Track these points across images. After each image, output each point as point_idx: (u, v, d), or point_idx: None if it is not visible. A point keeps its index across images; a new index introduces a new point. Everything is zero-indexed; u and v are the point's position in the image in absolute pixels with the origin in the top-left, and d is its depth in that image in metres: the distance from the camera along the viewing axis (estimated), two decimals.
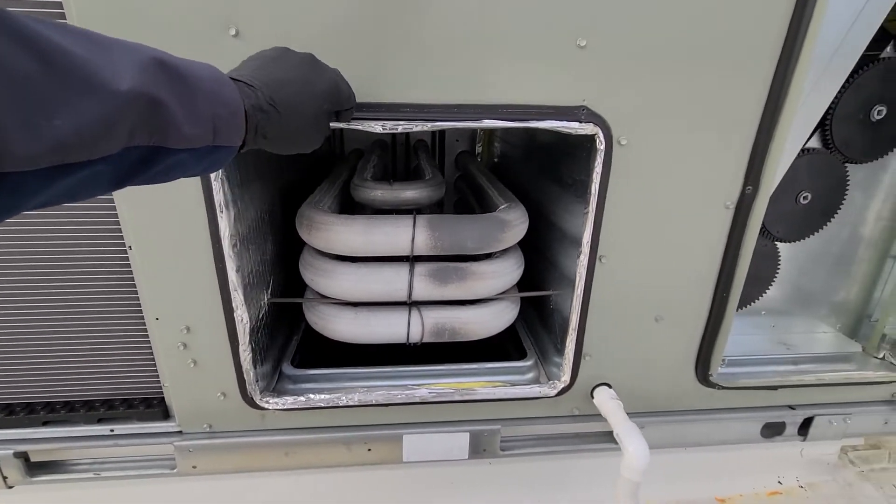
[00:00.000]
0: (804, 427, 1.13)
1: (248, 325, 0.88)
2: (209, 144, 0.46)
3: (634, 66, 0.78)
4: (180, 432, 0.97)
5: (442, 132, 2.08)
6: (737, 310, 1.22)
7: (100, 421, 0.96)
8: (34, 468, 0.97)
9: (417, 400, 0.98)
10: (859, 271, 1.29)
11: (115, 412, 0.96)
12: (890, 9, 0.87)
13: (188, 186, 0.77)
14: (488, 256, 1.06)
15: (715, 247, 0.93)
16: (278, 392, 1.00)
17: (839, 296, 1.33)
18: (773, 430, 1.12)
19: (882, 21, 0.88)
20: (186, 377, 0.92)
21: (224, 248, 0.81)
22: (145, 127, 0.40)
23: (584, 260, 0.90)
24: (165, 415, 0.97)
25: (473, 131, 2.04)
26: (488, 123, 0.78)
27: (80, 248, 0.85)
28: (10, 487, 0.96)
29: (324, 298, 1.03)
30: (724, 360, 1.03)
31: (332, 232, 0.94)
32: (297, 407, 0.95)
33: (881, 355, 1.25)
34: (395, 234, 0.93)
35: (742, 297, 1.21)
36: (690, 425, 1.09)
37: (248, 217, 0.93)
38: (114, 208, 0.81)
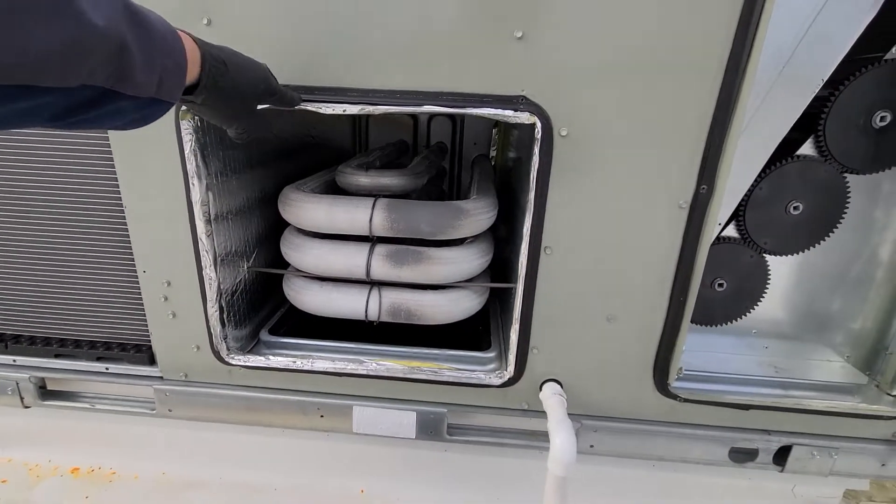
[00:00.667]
0: (781, 457, 1.04)
1: (217, 286, 0.98)
2: (151, 96, 0.48)
3: (576, 60, 0.80)
4: (161, 378, 1.10)
5: (462, 136, 2.15)
6: (721, 324, 1.16)
7: (98, 359, 1.11)
8: (46, 394, 1.13)
9: (366, 372, 1.03)
10: (878, 297, 1.17)
11: (111, 353, 1.10)
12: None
13: (173, 157, 0.89)
14: (453, 244, 1.09)
15: (670, 247, 0.90)
16: (257, 353, 1.11)
17: (855, 323, 1.21)
18: (743, 456, 1.04)
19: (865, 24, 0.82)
20: (167, 327, 1.04)
21: (195, 215, 0.92)
22: (107, 67, 0.40)
23: (525, 248, 0.91)
24: (152, 360, 1.10)
25: (489, 135, 2.08)
26: (428, 109, 0.83)
27: (88, 207, 1.01)
28: (27, 408, 1.13)
29: (295, 271, 1.12)
30: (679, 371, 0.98)
31: (300, 209, 1.03)
32: (257, 365, 1.04)
33: (895, 392, 1.11)
34: (354, 213, 1.00)
35: (726, 311, 1.15)
36: (647, 437, 1.04)
37: (235, 195, 1.05)
38: (114, 174, 0.95)
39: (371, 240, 1.07)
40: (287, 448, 1.18)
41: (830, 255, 1.14)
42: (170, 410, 1.10)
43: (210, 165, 0.93)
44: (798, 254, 1.08)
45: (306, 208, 1.02)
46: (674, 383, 1.00)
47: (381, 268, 1.03)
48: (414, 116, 2.14)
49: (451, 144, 2.18)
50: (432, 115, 2.13)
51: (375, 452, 1.17)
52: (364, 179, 1.15)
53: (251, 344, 1.15)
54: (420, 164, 1.30)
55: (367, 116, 2.10)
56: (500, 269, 1.26)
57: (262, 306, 1.25)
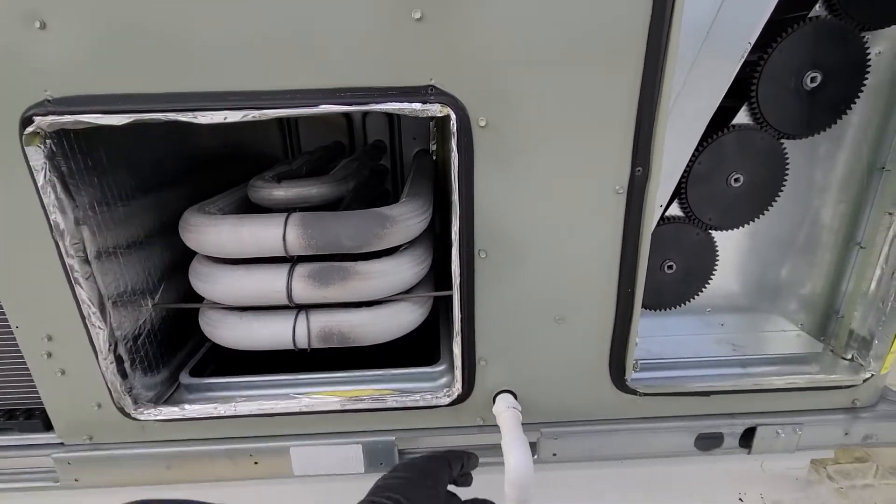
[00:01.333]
0: (747, 439, 1.00)
1: (108, 334, 0.84)
2: None
3: (488, 42, 0.71)
4: (62, 444, 0.95)
5: (399, 132, 2.04)
6: (674, 307, 1.12)
7: None
8: None
9: (300, 409, 0.92)
10: (824, 261, 1.15)
11: None
12: None
13: (29, 192, 0.74)
14: (385, 254, 0.99)
15: (612, 236, 0.84)
16: (175, 402, 0.97)
17: (805, 289, 1.19)
18: (709, 443, 0.99)
19: None
20: (57, 387, 0.89)
21: (65, 254, 0.78)
22: None
23: (456, 253, 0.82)
24: (47, 426, 0.95)
25: (428, 128, 1.98)
26: (326, 109, 0.72)
27: None
28: None
29: (212, 303, 0.99)
30: (635, 364, 0.92)
31: (201, 234, 0.90)
32: (171, 418, 0.90)
33: (849, 356, 1.10)
34: (263, 234, 0.88)
35: (678, 293, 1.10)
36: (609, 436, 0.98)
37: (124, 226, 0.91)
38: None
39: (291, 260, 0.96)
40: (233, 498, 1.05)
41: (775, 223, 1.11)
42: (76, 480, 0.95)
43: (79, 196, 0.79)
44: (744, 226, 1.04)
45: (207, 232, 0.89)
46: (631, 377, 0.94)
47: (305, 290, 0.92)
48: (347, 115, 2.01)
49: (389, 142, 2.06)
50: (365, 113, 2.01)
51: (326, 490, 1.06)
52: (278, 192, 1.03)
53: (170, 389, 1.02)
54: (345, 168, 1.19)
55: (296, 119, 1.96)
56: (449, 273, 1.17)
57: (181, 345, 1.11)
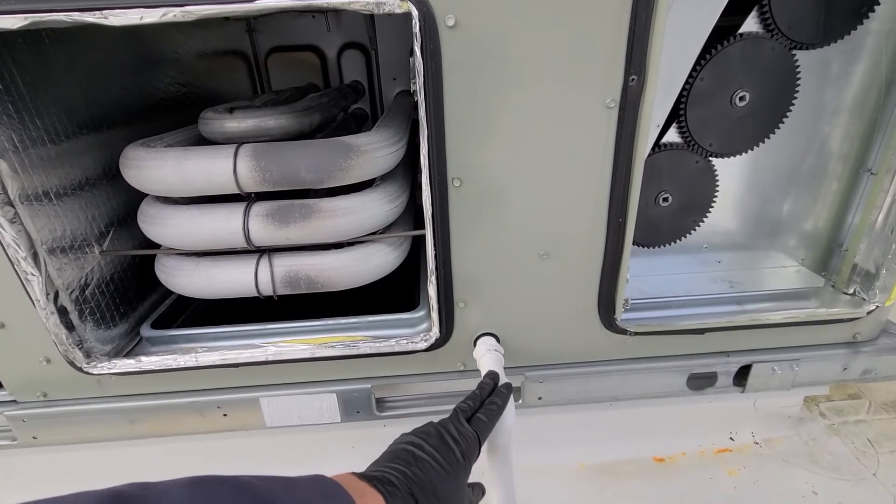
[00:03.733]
0: (741, 377, 0.96)
1: (45, 283, 0.76)
2: None
3: None
4: (15, 401, 0.89)
5: (378, 73, 1.88)
6: (669, 244, 1.04)
7: None
8: None
9: (266, 359, 0.86)
10: (829, 192, 1.07)
11: None
12: None
13: None
14: (353, 190, 0.90)
15: (601, 159, 0.74)
16: (134, 355, 0.90)
17: (808, 223, 1.11)
18: (701, 382, 0.95)
19: None
20: None
21: None
22: None
23: (426, 182, 0.73)
24: None
25: (408, 66, 1.83)
26: (264, 4, 0.60)
27: None
28: None
29: (166, 250, 0.91)
30: (626, 302, 0.86)
31: (142, 169, 0.80)
32: (126, 371, 0.84)
33: (851, 290, 1.04)
34: (211, 167, 0.78)
35: (673, 228, 1.03)
36: (599, 378, 0.93)
37: (60, 167, 0.81)
38: None
39: (248, 198, 0.87)
40: (191, 456, 1.01)
41: (779, 151, 1.02)
42: (34, 438, 0.90)
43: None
44: (748, 152, 0.95)
45: (149, 167, 0.79)
46: (621, 317, 0.88)
47: (263, 231, 0.83)
48: (321, 54, 1.85)
49: (367, 83, 1.92)
50: (340, 50, 1.85)
51: (301, 441, 1.02)
52: (231, 124, 0.92)
53: (131, 344, 0.95)
54: (309, 101, 1.07)
55: (265, 57, 1.80)
56: None
57: (142, 297, 1.04)
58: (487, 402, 0.68)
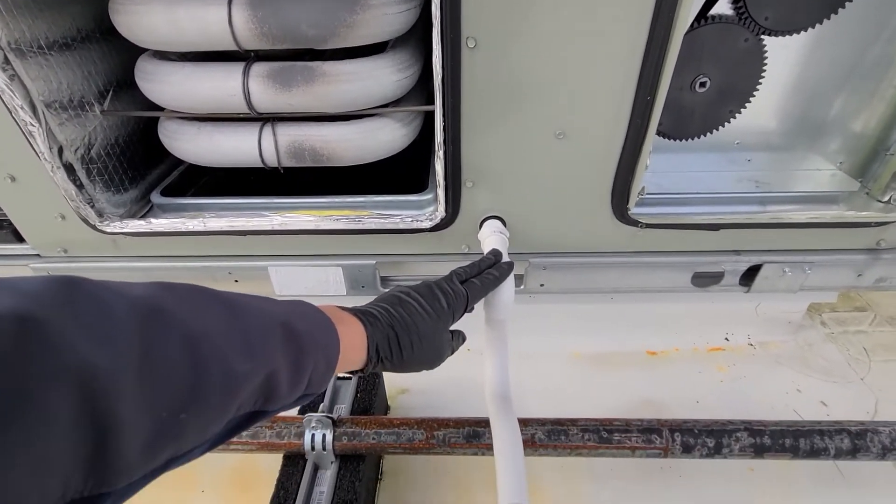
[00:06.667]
0: (748, 278, 0.94)
1: (47, 137, 0.75)
2: (297, 396, 0.44)
3: None
4: (38, 255, 0.93)
5: None
6: (699, 137, 0.97)
7: None
8: None
9: (272, 227, 0.87)
10: (890, 87, 0.96)
11: None
12: None
13: None
14: (361, 54, 0.83)
15: (636, 26, 0.66)
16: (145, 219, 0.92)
17: (857, 124, 1.02)
18: (706, 280, 0.94)
19: None
20: (13, 195, 0.84)
21: None
22: (252, 398, 0.38)
23: (438, 41, 0.66)
24: (18, 237, 0.92)
25: None
26: None
27: None
28: None
29: (169, 113, 0.88)
30: (641, 191, 0.82)
31: (130, 14, 0.74)
32: (137, 231, 0.86)
33: (887, 198, 0.97)
34: (204, 15, 0.71)
35: (705, 119, 0.95)
36: (604, 270, 0.93)
37: (51, 19, 0.75)
38: None
39: (248, 57, 0.81)
40: None
41: (843, 37, 0.90)
42: None
43: None
44: (808, 30, 0.83)
45: (137, 12, 0.73)
46: (634, 209, 0.84)
47: (265, 94, 0.79)
48: None
49: None
50: None
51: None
52: None
53: (143, 210, 0.97)
54: None
55: None
56: None
57: (153, 164, 1.03)
58: (486, 272, 0.68)
